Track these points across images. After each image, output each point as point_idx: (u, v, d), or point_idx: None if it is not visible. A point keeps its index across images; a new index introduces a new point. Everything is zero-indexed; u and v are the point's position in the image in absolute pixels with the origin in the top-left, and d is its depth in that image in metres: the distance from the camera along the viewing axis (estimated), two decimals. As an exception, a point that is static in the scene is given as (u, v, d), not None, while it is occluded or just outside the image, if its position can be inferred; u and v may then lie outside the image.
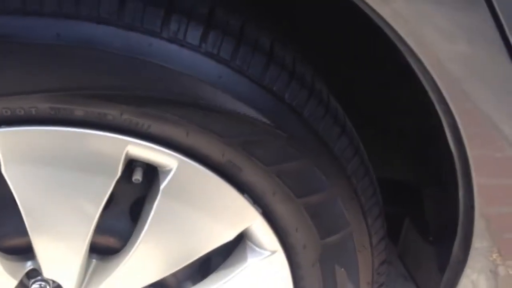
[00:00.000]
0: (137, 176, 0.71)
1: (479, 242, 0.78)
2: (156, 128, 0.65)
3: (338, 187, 0.75)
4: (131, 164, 0.72)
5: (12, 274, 0.73)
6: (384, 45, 0.69)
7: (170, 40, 0.61)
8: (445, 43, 0.62)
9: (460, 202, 0.77)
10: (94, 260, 0.77)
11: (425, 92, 0.70)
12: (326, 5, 0.82)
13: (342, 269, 0.81)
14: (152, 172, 0.71)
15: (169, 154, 0.67)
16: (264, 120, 0.66)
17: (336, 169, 0.74)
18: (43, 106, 0.61)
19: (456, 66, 0.64)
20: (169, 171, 0.68)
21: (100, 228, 0.72)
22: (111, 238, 0.76)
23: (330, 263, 0.80)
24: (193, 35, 0.62)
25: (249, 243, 0.80)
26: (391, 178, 1.06)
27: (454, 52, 0.63)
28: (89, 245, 0.72)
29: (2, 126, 0.62)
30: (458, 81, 0.64)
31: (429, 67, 0.63)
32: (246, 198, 0.73)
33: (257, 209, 0.74)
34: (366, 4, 0.59)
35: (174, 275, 0.80)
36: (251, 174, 0.70)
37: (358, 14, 0.64)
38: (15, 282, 0.74)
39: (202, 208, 0.72)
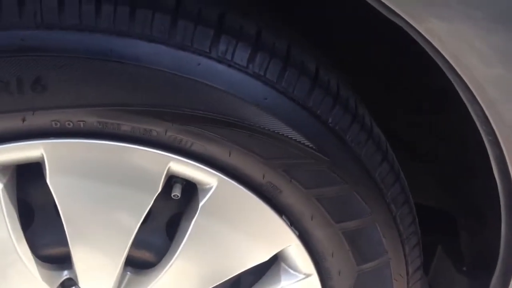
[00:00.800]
0: (176, 192, 0.72)
1: (521, 278, 0.75)
2: (199, 146, 0.65)
3: (377, 214, 0.74)
4: (170, 180, 0.72)
5: (49, 282, 0.74)
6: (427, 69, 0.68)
7: (218, 60, 0.62)
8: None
9: (502, 236, 0.75)
10: (128, 273, 0.78)
11: (464, 120, 0.68)
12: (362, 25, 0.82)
13: (377, 297, 0.80)
14: (191, 189, 0.72)
15: (210, 173, 0.67)
16: (307, 143, 0.66)
17: (376, 195, 0.73)
18: (91, 120, 0.62)
19: (502, 95, 0.63)
20: (209, 189, 0.69)
21: (136, 242, 0.72)
22: (147, 252, 0.77)
23: (365, 290, 0.79)
24: (241, 56, 0.63)
25: (283, 265, 0.79)
26: (425, 205, 1.04)
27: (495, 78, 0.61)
28: (125, 258, 0.73)
29: (51, 138, 0.63)
30: (506, 111, 0.63)
31: (477, 96, 0.62)
32: (284, 220, 0.72)
33: (294, 232, 0.74)
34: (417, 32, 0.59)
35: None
36: (290, 196, 0.70)
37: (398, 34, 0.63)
38: (50, 291, 0.75)
39: (239, 228, 0.72)
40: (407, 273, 0.80)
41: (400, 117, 0.99)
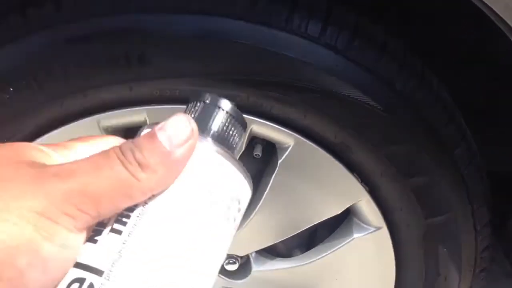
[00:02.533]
0: (258, 152, 0.81)
1: None
2: (277, 109, 0.73)
3: (444, 171, 0.79)
4: (252, 141, 0.81)
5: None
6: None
7: (294, 33, 0.69)
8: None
9: None
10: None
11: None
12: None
13: (445, 249, 0.85)
14: (271, 149, 0.81)
15: (287, 133, 0.76)
16: (376, 104, 0.73)
17: (443, 153, 0.78)
18: (185, 88, 0.72)
19: None
20: (287, 148, 0.77)
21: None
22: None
23: (433, 243, 0.85)
24: (314, 28, 0.70)
25: (355, 219, 0.87)
26: (502, 172, 1.05)
27: None
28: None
29: (152, 104, 0.74)
30: None
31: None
32: (355, 176, 0.79)
33: (364, 188, 0.81)
34: None
35: (284, 242, 0.89)
36: (361, 154, 0.77)
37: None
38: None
39: (314, 183, 0.80)
40: (475, 229, 0.84)
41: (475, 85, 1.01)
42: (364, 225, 0.86)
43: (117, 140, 0.36)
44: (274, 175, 0.79)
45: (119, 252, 0.31)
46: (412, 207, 0.82)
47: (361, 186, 0.80)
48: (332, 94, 0.72)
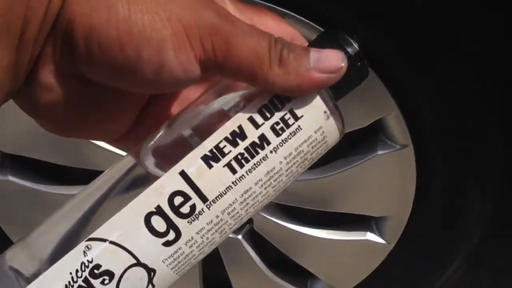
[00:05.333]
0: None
1: None
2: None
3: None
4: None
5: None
6: None
7: None
8: None
9: None
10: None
11: None
12: None
13: (473, 174, 0.82)
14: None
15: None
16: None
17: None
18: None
19: None
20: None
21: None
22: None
23: (461, 167, 0.82)
24: None
25: (381, 135, 0.84)
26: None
27: None
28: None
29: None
30: None
31: None
32: (387, 88, 0.75)
33: (395, 101, 0.77)
34: None
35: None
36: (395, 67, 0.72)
37: None
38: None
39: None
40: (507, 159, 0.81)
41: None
42: (389, 142, 0.83)
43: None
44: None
45: (228, 188, 0.32)
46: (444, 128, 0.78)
47: (392, 99, 0.76)
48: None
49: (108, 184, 0.34)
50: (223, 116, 0.34)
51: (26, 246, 0.33)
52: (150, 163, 0.34)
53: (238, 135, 0.33)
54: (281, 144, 0.33)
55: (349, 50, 0.35)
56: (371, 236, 0.94)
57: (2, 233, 0.96)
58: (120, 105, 0.35)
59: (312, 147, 0.34)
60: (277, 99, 0.33)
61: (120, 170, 0.34)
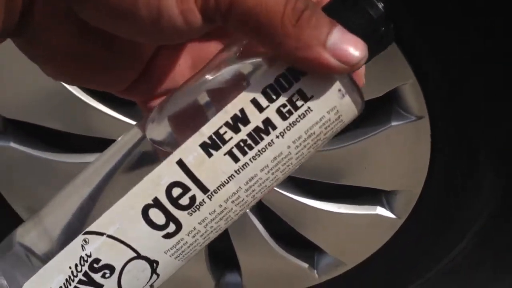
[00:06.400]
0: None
1: None
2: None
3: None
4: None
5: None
6: None
7: None
8: None
9: None
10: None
11: None
12: None
13: (488, 149, 0.79)
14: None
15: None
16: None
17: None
18: None
19: None
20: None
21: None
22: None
23: (476, 142, 0.79)
24: None
25: (395, 105, 0.80)
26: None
27: None
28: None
29: None
30: None
31: None
32: (404, 56, 0.72)
33: (412, 70, 0.73)
34: None
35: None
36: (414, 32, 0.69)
37: None
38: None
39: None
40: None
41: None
42: (404, 113, 0.80)
43: None
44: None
45: (230, 177, 0.30)
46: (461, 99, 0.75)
47: (409, 68, 0.73)
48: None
49: (116, 159, 0.32)
50: (240, 81, 0.31)
51: (38, 223, 0.32)
52: (158, 136, 0.31)
53: (240, 120, 0.29)
54: (288, 128, 0.30)
55: (371, 12, 0.30)
56: (381, 211, 0.92)
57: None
58: (124, 54, 0.32)
59: (326, 128, 0.31)
60: (284, 77, 0.30)
61: (127, 144, 0.32)
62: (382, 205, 0.92)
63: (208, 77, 0.32)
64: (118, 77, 0.33)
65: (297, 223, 0.95)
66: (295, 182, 0.92)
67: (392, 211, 0.91)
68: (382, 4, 0.30)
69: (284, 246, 1.00)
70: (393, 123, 0.80)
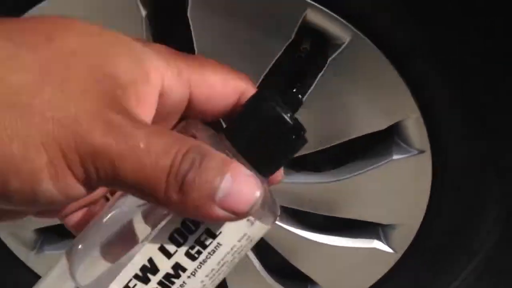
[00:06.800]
0: (306, 46, 0.71)
1: None
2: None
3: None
4: (300, 32, 0.71)
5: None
6: None
7: None
8: None
9: None
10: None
11: None
12: None
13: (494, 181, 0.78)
14: (320, 44, 0.71)
15: (345, 26, 0.66)
16: None
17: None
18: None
19: None
20: (340, 44, 0.67)
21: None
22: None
23: (481, 176, 0.77)
24: None
25: (396, 138, 0.79)
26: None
27: None
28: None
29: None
30: None
31: None
32: (409, 89, 0.70)
33: (417, 104, 0.72)
34: None
35: (313, 155, 0.81)
36: (423, 64, 0.67)
37: None
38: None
39: (363, 90, 0.71)
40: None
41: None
42: (406, 146, 0.78)
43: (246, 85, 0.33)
44: (321, 73, 0.69)
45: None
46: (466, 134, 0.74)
47: (413, 101, 0.71)
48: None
49: None
50: (144, 228, 0.30)
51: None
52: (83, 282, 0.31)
53: (149, 270, 0.29)
54: (199, 267, 0.30)
55: (282, 122, 0.30)
56: (377, 244, 0.89)
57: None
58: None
59: (239, 253, 0.31)
60: (190, 220, 0.30)
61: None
62: (379, 239, 0.90)
63: (114, 227, 0.31)
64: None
65: (290, 255, 0.92)
66: (291, 213, 0.89)
67: (389, 245, 0.89)
68: (289, 114, 0.30)
69: (276, 278, 0.97)
70: (395, 157, 0.78)
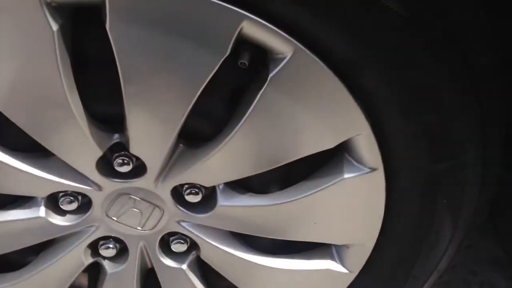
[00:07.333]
0: (244, 60, 0.64)
1: None
2: (279, 5, 0.56)
3: (461, 111, 0.66)
4: (238, 46, 0.64)
5: (98, 143, 0.69)
6: None
7: None
8: None
9: None
10: (181, 145, 0.73)
11: None
12: None
13: (445, 200, 0.73)
14: (261, 58, 0.64)
15: (287, 39, 0.59)
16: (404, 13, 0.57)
17: (460, 89, 0.65)
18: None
19: None
20: (282, 59, 0.61)
21: (195, 111, 0.66)
22: (205, 123, 0.71)
23: (432, 193, 0.73)
24: None
25: (347, 156, 0.73)
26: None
27: None
28: (181, 126, 0.67)
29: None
30: None
31: None
32: (359, 105, 0.65)
33: (367, 120, 0.66)
34: None
35: (259, 175, 0.74)
36: (372, 79, 0.62)
37: None
38: (100, 153, 0.70)
39: (309, 107, 0.65)
40: (483, 178, 0.73)
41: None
42: (357, 165, 0.72)
43: None
44: (261, 91, 0.63)
45: None
46: (418, 149, 0.69)
47: (364, 118, 0.66)
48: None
49: None
50: None
51: None
52: None
53: None
54: None
55: None
56: (332, 265, 0.84)
57: None
58: None
59: None
60: None
61: None
62: (333, 259, 0.84)
63: None
64: None
65: (239, 281, 0.85)
66: (238, 237, 0.83)
67: (344, 265, 0.84)
68: None
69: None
70: (346, 176, 0.73)
